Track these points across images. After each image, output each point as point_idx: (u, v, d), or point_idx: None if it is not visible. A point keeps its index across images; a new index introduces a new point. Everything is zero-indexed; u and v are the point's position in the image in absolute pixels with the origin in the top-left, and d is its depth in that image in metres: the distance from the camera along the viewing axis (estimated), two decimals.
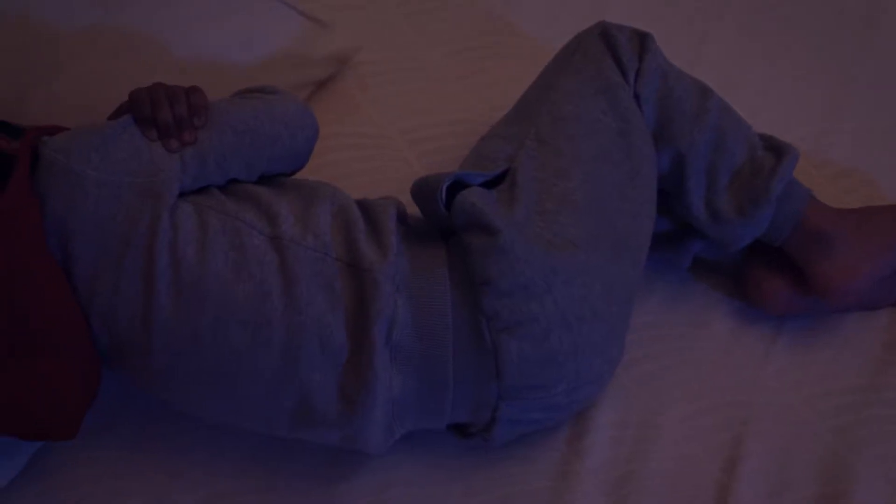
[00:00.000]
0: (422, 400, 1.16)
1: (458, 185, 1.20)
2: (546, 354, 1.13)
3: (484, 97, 1.65)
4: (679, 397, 1.33)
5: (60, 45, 1.42)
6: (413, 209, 1.28)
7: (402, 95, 1.65)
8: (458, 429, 1.26)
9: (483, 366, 1.14)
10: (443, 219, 1.19)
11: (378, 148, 1.59)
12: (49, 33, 1.43)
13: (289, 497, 1.26)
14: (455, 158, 1.55)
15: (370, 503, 1.25)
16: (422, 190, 1.22)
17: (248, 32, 1.57)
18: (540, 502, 1.25)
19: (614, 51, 1.29)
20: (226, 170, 1.18)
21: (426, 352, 1.13)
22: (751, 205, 1.28)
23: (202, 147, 1.16)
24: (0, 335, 1.08)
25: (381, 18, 1.76)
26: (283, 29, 1.61)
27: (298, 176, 1.31)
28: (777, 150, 1.31)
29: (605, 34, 1.31)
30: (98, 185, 1.10)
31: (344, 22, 1.68)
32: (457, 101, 1.65)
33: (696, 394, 1.33)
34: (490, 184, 1.21)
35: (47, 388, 1.11)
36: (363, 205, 1.21)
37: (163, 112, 1.14)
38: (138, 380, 1.20)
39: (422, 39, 1.73)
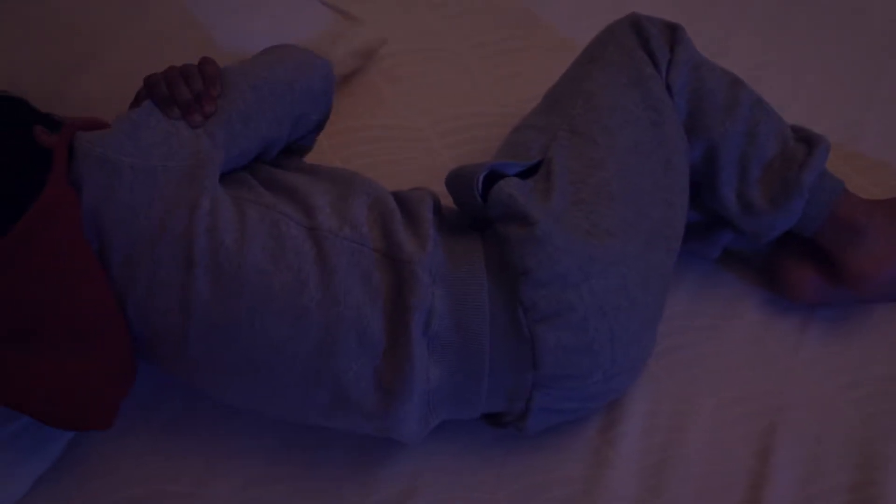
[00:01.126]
0: (457, 390, 1.17)
1: (493, 176, 1.21)
2: (583, 344, 1.14)
3: (511, 89, 1.66)
4: (710, 386, 1.34)
5: (95, 36, 1.44)
6: (445, 200, 1.29)
7: (429, 87, 1.66)
8: (491, 418, 1.27)
9: (519, 356, 1.15)
10: (478, 209, 1.20)
11: (406, 140, 1.60)
12: (84, 25, 1.44)
13: (323, 483, 1.27)
14: (483, 150, 1.56)
15: (404, 490, 1.26)
16: (457, 180, 1.23)
17: (277, 25, 1.58)
18: (574, 490, 1.26)
19: (646, 42, 1.30)
20: (255, 128, 1.19)
21: (463, 343, 1.14)
22: (783, 196, 1.28)
23: (225, 113, 1.17)
24: (40, 327, 1.10)
25: (408, 11, 1.77)
26: (312, 22, 1.62)
27: (331, 163, 1.32)
28: (809, 140, 1.32)
29: (636, 26, 1.32)
30: (133, 171, 1.11)
31: (370, 15, 1.70)
32: (484, 93, 1.66)
33: (728, 383, 1.34)
34: (524, 174, 1.22)
35: (85, 379, 1.12)
36: (398, 196, 1.22)
37: (180, 89, 1.16)
38: (172, 368, 1.21)
39: (448, 32, 1.74)
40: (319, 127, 1.32)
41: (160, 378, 1.30)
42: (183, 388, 1.31)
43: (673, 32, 1.32)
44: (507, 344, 1.14)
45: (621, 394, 1.30)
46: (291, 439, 1.29)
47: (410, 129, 1.62)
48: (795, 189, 1.28)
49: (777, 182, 1.29)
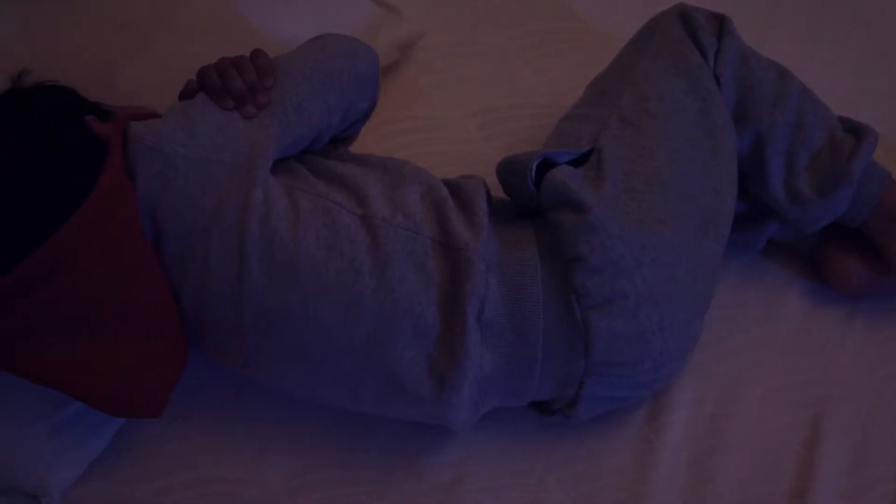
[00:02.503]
0: (509, 378, 1.18)
1: (544, 165, 1.21)
2: (635, 331, 1.15)
3: (548, 81, 1.66)
4: (757, 376, 1.34)
5: (142, 27, 1.45)
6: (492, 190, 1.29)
7: (467, 80, 1.67)
8: (538, 406, 1.27)
9: (571, 343, 1.15)
10: (531, 197, 1.20)
11: (445, 131, 1.61)
12: (131, 16, 1.45)
13: (371, 470, 1.28)
14: (523, 141, 1.57)
15: (451, 478, 1.27)
16: (509, 169, 1.24)
17: (317, 17, 1.58)
18: (622, 478, 1.26)
19: (693, 32, 1.30)
20: (308, 117, 1.20)
21: (517, 330, 1.15)
22: (832, 186, 1.29)
23: (278, 103, 1.18)
24: (97, 315, 1.11)
25: (445, 4, 1.77)
26: (353, 14, 1.63)
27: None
28: (857, 131, 1.32)
29: (683, 16, 1.32)
30: (187, 161, 1.12)
31: (408, 7, 1.70)
32: (522, 85, 1.66)
33: (774, 372, 1.35)
34: (574, 164, 1.22)
35: (138, 367, 1.13)
36: (450, 184, 1.22)
37: (234, 80, 1.16)
38: (224, 357, 1.22)
39: (485, 24, 1.74)
40: (366, 115, 1.33)
41: (209, 365, 1.30)
42: (231, 375, 1.32)
43: (720, 23, 1.32)
44: (560, 331, 1.15)
45: (669, 383, 1.30)
46: (338, 426, 1.30)
47: (449, 120, 1.62)
48: (844, 179, 1.28)
49: (825, 172, 1.30)
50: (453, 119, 1.62)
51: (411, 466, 1.28)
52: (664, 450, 1.28)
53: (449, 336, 1.13)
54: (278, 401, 1.31)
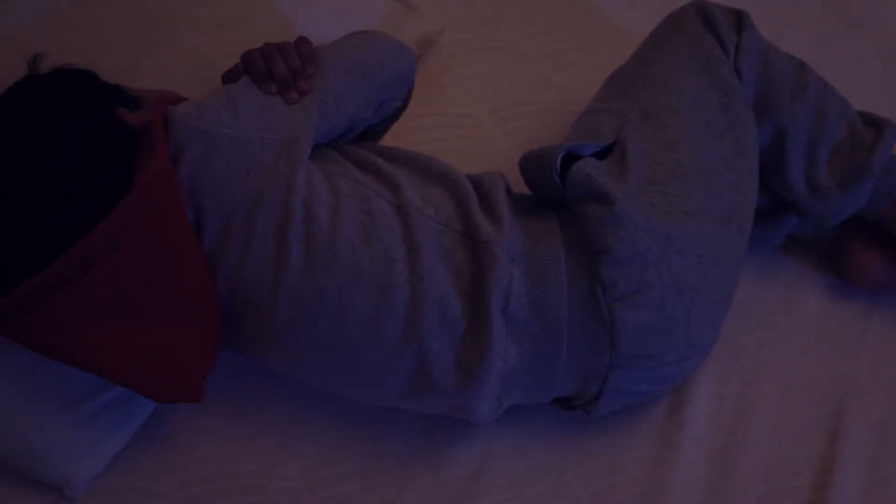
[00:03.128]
0: (534, 371, 1.18)
1: (567, 159, 1.22)
2: (660, 323, 1.15)
3: (567, 76, 1.67)
4: (777, 370, 1.34)
5: (171, 18, 1.46)
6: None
7: (486, 76, 1.67)
8: (559, 401, 1.27)
9: (597, 336, 1.16)
10: (555, 190, 1.21)
11: (465, 127, 1.61)
12: (161, 7, 1.47)
13: (392, 464, 1.28)
14: (543, 136, 1.57)
15: (472, 472, 1.27)
16: (532, 162, 1.24)
17: (339, 15, 1.59)
18: (643, 472, 1.26)
19: (713, 27, 1.31)
20: (346, 107, 1.21)
21: (541, 323, 1.15)
22: (853, 179, 1.29)
23: (319, 91, 1.18)
24: (142, 300, 1.11)
25: (465, 1, 1.78)
26: (373, 11, 1.63)
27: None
28: (876, 125, 1.32)
29: (702, 11, 1.32)
30: (231, 142, 1.13)
31: (428, 4, 1.71)
32: (541, 81, 1.67)
33: (794, 367, 1.35)
34: (597, 157, 1.22)
35: (180, 351, 1.14)
36: (471, 179, 1.23)
37: (278, 66, 1.17)
38: (253, 345, 1.22)
39: (504, 21, 1.75)
40: (397, 114, 1.34)
41: (231, 359, 1.30)
42: (253, 370, 1.33)
43: (738, 18, 1.32)
44: (585, 323, 1.15)
45: (690, 376, 1.30)
46: (360, 421, 1.31)
47: (468, 116, 1.63)
48: (866, 172, 1.28)
49: (846, 165, 1.29)
50: (472, 115, 1.63)
51: (431, 460, 1.28)
52: (685, 444, 1.28)
53: (474, 328, 1.14)
54: (299, 395, 1.32)
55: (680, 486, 1.25)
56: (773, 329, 1.38)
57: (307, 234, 1.13)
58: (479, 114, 1.63)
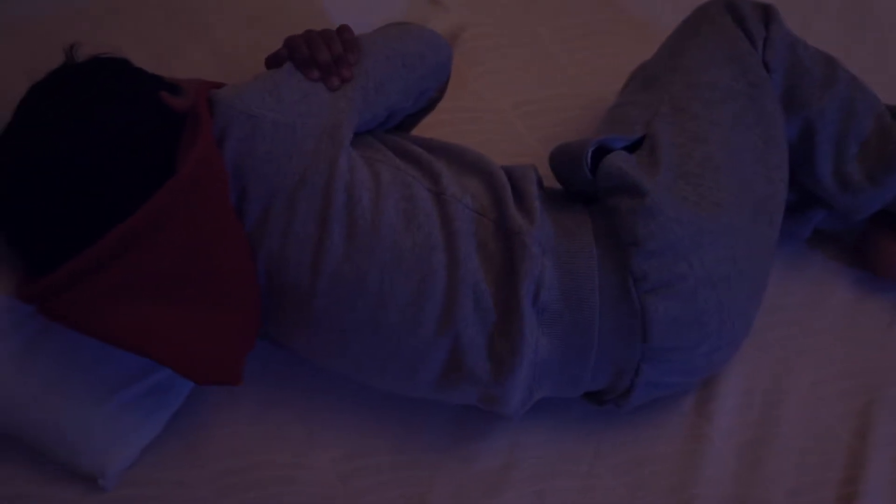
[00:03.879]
0: (564, 363, 1.18)
1: (597, 152, 1.22)
2: (692, 315, 1.15)
3: (591, 71, 1.67)
4: (804, 365, 1.35)
5: (201, 13, 1.47)
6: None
7: (511, 70, 1.68)
8: (590, 396, 1.28)
9: (628, 328, 1.16)
10: (586, 183, 1.21)
11: (490, 122, 1.62)
12: (190, 2, 1.47)
13: (421, 455, 1.29)
14: (568, 131, 1.58)
15: (501, 464, 1.28)
16: (563, 156, 1.25)
17: (364, 10, 1.59)
18: (671, 465, 1.27)
19: (741, 21, 1.31)
20: (386, 96, 1.22)
21: (572, 314, 1.16)
22: (882, 172, 1.29)
23: (362, 79, 1.19)
24: (187, 282, 1.12)
25: None
26: (399, 6, 1.63)
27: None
28: None
29: (730, 5, 1.33)
30: (275, 125, 1.14)
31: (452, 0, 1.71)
32: (566, 76, 1.67)
33: (822, 361, 1.35)
34: (628, 150, 1.23)
35: (222, 333, 1.15)
36: (506, 170, 1.24)
37: (321, 52, 1.18)
38: (289, 330, 1.23)
39: (529, 16, 1.75)
40: (433, 105, 1.34)
41: (260, 351, 1.31)
42: (282, 361, 1.34)
43: (766, 11, 1.33)
44: (617, 315, 1.16)
45: (719, 369, 1.31)
46: (389, 412, 1.32)
47: (493, 111, 1.63)
48: (895, 165, 1.28)
49: (875, 159, 1.30)
50: (496, 109, 1.63)
51: (461, 452, 1.29)
52: (714, 437, 1.28)
53: (506, 317, 1.14)
54: (329, 386, 1.32)
55: (709, 478, 1.25)
56: (801, 323, 1.38)
57: (349, 219, 1.14)
58: (502, 108, 1.64)
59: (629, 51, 1.65)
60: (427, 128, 1.59)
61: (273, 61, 1.24)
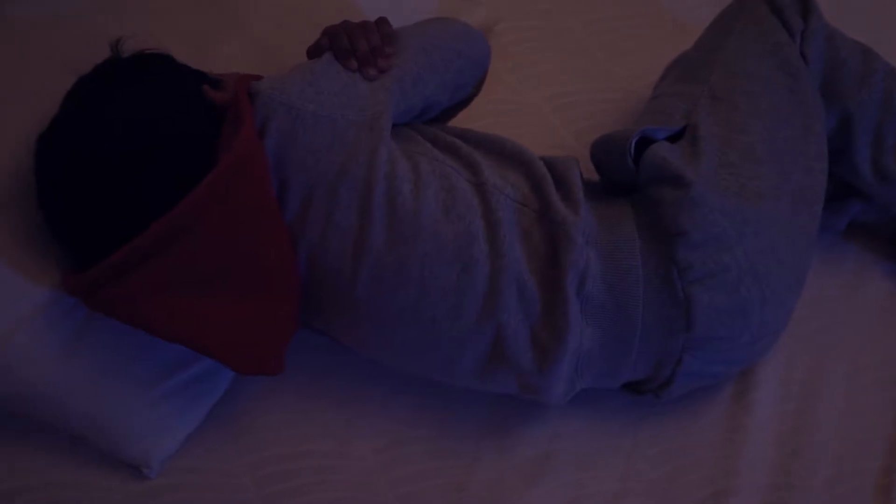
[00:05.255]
0: (607, 354, 1.19)
1: (639, 144, 1.23)
2: (736, 304, 1.16)
3: (623, 64, 1.68)
4: (841, 355, 1.35)
5: (236, 6, 1.48)
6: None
7: (544, 64, 1.69)
8: (629, 386, 1.29)
9: (671, 318, 1.16)
10: (628, 174, 1.22)
11: (523, 115, 1.63)
12: None
13: (460, 444, 1.30)
14: (602, 124, 1.58)
15: (540, 454, 1.29)
16: (605, 146, 1.25)
17: (398, 2, 1.60)
18: (710, 454, 1.27)
19: (779, 12, 1.32)
20: (422, 89, 1.23)
21: (616, 305, 1.16)
22: None
23: (398, 71, 1.20)
24: (229, 271, 1.13)
25: None
26: (431, 1, 1.64)
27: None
28: None
29: None
30: (315, 117, 1.15)
31: None
32: (599, 69, 1.68)
33: (859, 352, 1.35)
34: (669, 141, 1.23)
35: (263, 323, 1.16)
36: (545, 161, 1.24)
37: (360, 42, 1.19)
38: (329, 320, 1.24)
39: (560, 10, 1.76)
40: (468, 100, 1.35)
41: (300, 340, 1.32)
42: (321, 349, 1.35)
43: (804, 3, 1.33)
44: (660, 305, 1.16)
45: (758, 360, 1.31)
46: (429, 401, 1.32)
47: (527, 104, 1.64)
48: None
49: None
50: (529, 103, 1.64)
51: (500, 441, 1.30)
52: (752, 427, 1.29)
53: (550, 308, 1.15)
54: (369, 375, 1.34)
55: (748, 467, 1.26)
56: (837, 315, 1.39)
57: (390, 209, 1.15)
58: (536, 102, 1.64)
59: (663, 44, 1.66)
60: (460, 121, 1.60)
61: (314, 51, 1.25)
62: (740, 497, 1.23)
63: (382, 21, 1.25)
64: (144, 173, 1.12)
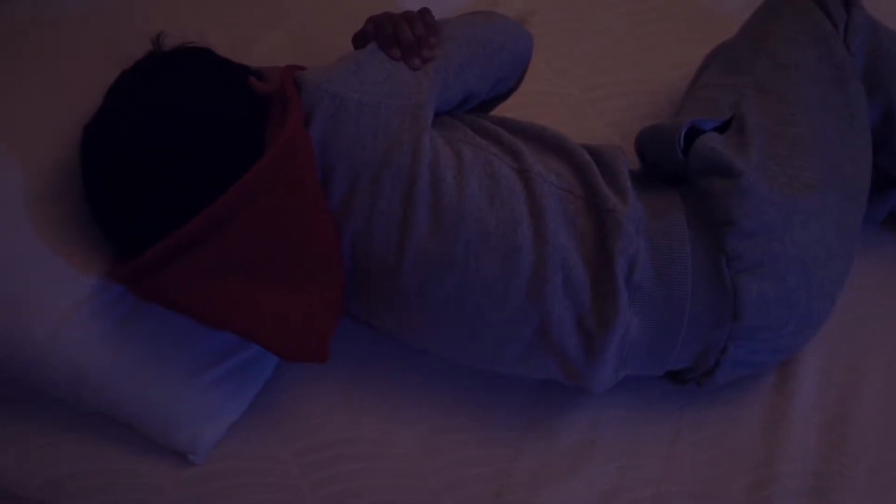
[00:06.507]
0: (652, 342, 1.20)
1: (687, 134, 1.23)
2: (783, 294, 1.17)
3: (658, 56, 1.68)
4: (881, 345, 1.36)
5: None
6: None
7: (579, 55, 1.69)
8: (672, 375, 1.29)
9: (718, 308, 1.17)
10: (676, 164, 1.22)
11: (559, 106, 1.64)
12: None
13: (503, 433, 1.31)
14: (638, 116, 1.59)
15: (582, 441, 1.30)
16: (653, 136, 1.26)
17: None
18: (752, 442, 1.28)
19: (822, 4, 1.32)
20: (464, 80, 1.24)
21: (665, 294, 1.17)
22: None
23: (443, 61, 1.21)
24: (275, 259, 1.15)
25: None
26: None
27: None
28: None
29: None
30: (360, 106, 1.16)
31: None
32: (633, 60, 1.69)
33: None
34: (716, 131, 1.24)
35: (309, 310, 1.17)
36: (591, 149, 1.25)
37: (404, 32, 1.20)
38: (372, 308, 1.25)
39: (594, 2, 1.77)
40: (507, 94, 1.36)
41: (343, 328, 1.33)
42: (368, 339, 1.36)
43: None
44: (708, 294, 1.17)
45: (800, 349, 1.32)
46: (471, 389, 1.34)
47: (562, 95, 1.65)
48: None
49: None
50: (565, 94, 1.65)
51: (543, 428, 1.31)
52: (794, 416, 1.29)
53: (599, 295, 1.16)
54: (412, 364, 1.35)
55: (790, 454, 1.26)
56: (876, 305, 1.39)
57: (434, 197, 1.16)
58: (571, 93, 1.65)
59: (697, 35, 1.67)
60: (498, 111, 1.61)
61: (360, 38, 1.27)
62: (782, 483, 1.24)
63: (425, 11, 1.26)
64: (190, 163, 1.13)
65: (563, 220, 1.16)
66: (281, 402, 1.33)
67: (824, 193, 1.19)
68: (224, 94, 1.19)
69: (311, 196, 1.16)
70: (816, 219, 1.17)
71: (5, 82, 1.30)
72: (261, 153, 1.15)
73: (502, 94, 1.36)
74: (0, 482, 1.27)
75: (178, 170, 1.13)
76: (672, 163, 1.23)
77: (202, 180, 1.13)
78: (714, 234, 1.16)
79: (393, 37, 1.21)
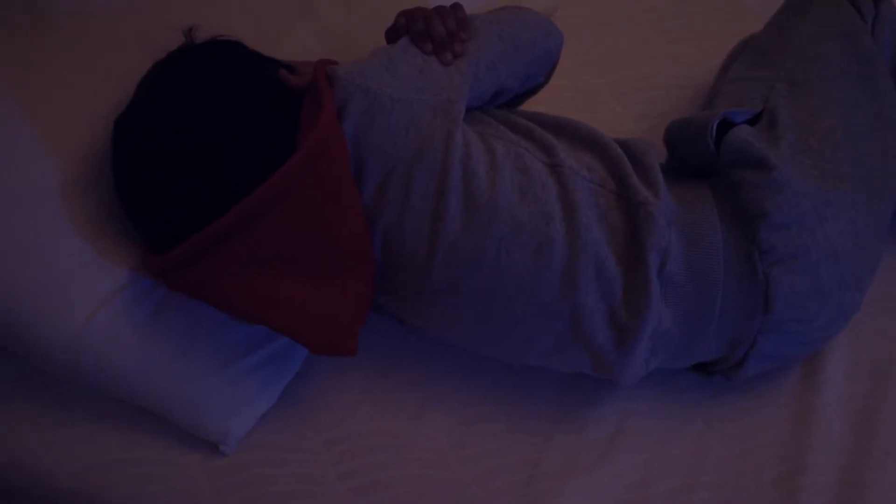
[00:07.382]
0: (683, 335, 1.20)
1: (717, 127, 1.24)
2: (814, 287, 1.17)
3: (685, 49, 1.69)
4: None
5: None
6: None
7: (603, 49, 1.70)
8: (699, 367, 1.30)
9: (750, 300, 1.18)
10: (707, 157, 1.23)
11: (584, 101, 1.64)
12: None
13: (533, 423, 1.31)
14: (664, 110, 1.59)
15: (611, 432, 1.30)
16: (685, 129, 1.26)
17: None
18: (780, 435, 1.29)
19: None
20: (495, 76, 1.24)
21: (697, 286, 1.17)
22: None
23: (475, 56, 1.22)
24: (308, 253, 1.15)
25: None
26: None
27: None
28: None
29: None
30: (392, 101, 1.16)
31: None
32: (658, 54, 1.69)
33: None
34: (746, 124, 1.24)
35: (340, 304, 1.18)
36: (621, 143, 1.25)
37: (436, 26, 1.21)
38: (402, 302, 1.26)
39: None
40: (536, 89, 1.37)
41: (372, 321, 1.33)
42: (396, 333, 1.36)
43: None
44: (739, 287, 1.17)
45: (828, 342, 1.32)
46: (499, 381, 1.34)
47: (588, 90, 1.65)
48: None
49: None
50: (590, 88, 1.65)
51: (572, 419, 1.31)
52: (824, 408, 1.29)
53: (631, 288, 1.16)
54: (441, 356, 1.35)
55: (821, 447, 1.27)
56: None
57: (466, 192, 1.16)
58: (596, 87, 1.65)
59: (721, 29, 1.67)
60: (526, 106, 1.62)
61: (392, 33, 1.27)
62: (811, 476, 1.25)
63: (457, 6, 1.26)
64: (222, 157, 1.14)
65: (595, 214, 1.17)
66: (311, 394, 1.34)
67: (855, 187, 1.19)
68: (256, 88, 1.19)
69: (343, 190, 1.17)
70: (847, 211, 1.18)
71: (39, 73, 1.31)
72: (293, 148, 1.15)
73: (532, 90, 1.37)
74: (30, 472, 1.28)
75: (210, 164, 1.14)
76: (702, 155, 1.23)
77: (234, 174, 1.14)
78: (746, 226, 1.17)
79: (425, 32, 1.21)
